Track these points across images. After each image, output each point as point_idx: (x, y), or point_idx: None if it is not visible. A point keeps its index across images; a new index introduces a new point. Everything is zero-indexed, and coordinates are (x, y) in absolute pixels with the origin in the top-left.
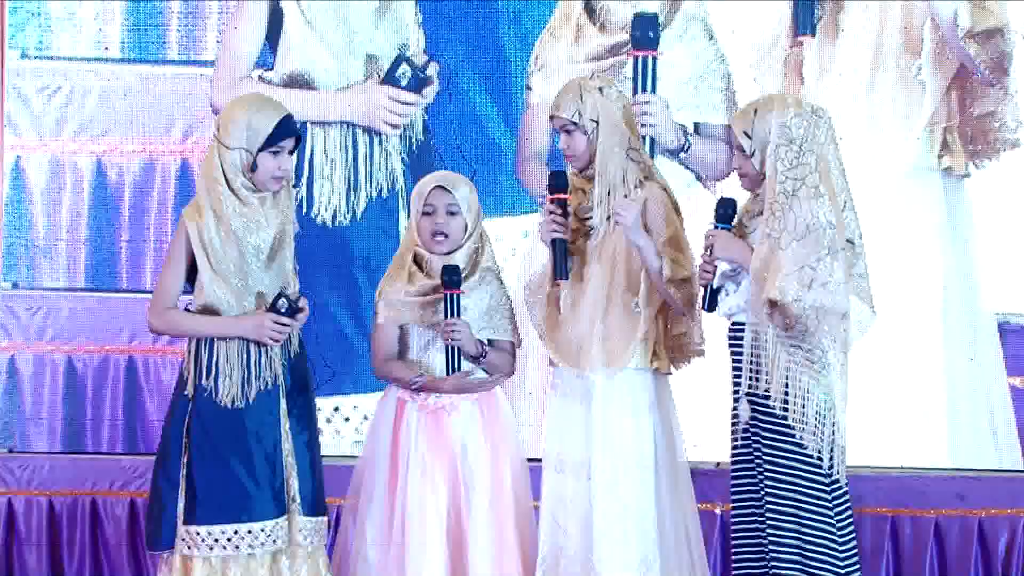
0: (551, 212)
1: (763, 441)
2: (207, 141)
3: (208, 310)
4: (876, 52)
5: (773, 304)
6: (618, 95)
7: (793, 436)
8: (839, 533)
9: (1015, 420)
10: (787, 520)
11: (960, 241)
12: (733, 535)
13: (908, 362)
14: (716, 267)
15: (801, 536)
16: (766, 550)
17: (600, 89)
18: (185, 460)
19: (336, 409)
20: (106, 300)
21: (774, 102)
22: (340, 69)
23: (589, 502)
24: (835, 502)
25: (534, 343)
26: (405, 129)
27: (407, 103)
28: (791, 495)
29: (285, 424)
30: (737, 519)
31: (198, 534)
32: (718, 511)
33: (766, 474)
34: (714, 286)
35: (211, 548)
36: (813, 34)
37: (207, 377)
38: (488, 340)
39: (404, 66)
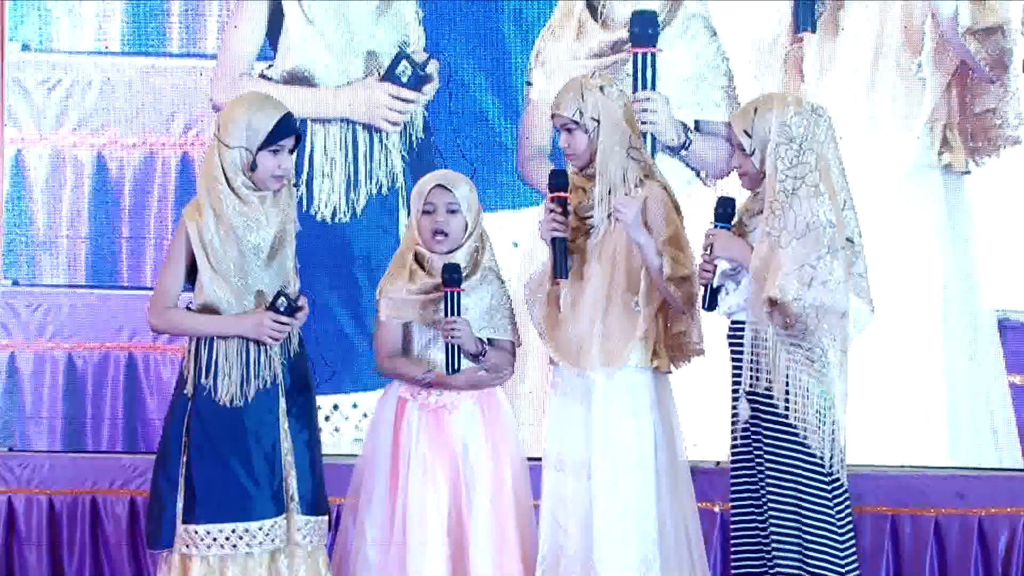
0: (551, 211)
1: (764, 440)
2: (208, 134)
3: (208, 309)
4: (876, 49)
5: (773, 303)
6: (619, 94)
7: (794, 435)
8: (840, 531)
9: (1015, 419)
10: (788, 518)
11: (960, 238)
12: (732, 534)
13: (908, 361)
14: (716, 266)
15: (802, 534)
16: (766, 549)
17: (601, 88)
18: (184, 459)
19: (335, 407)
20: (106, 297)
21: (774, 101)
22: (340, 66)
23: (589, 502)
24: (835, 500)
25: (534, 342)
26: (405, 126)
27: (407, 100)
28: (792, 493)
29: (284, 423)
30: (736, 518)
31: (196, 533)
32: (718, 510)
33: (767, 473)
34: (714, 285)
35: (209, 547)
36: (813, 30)
37: (206, 376)
38: (488, 339)
39: (404, 63)
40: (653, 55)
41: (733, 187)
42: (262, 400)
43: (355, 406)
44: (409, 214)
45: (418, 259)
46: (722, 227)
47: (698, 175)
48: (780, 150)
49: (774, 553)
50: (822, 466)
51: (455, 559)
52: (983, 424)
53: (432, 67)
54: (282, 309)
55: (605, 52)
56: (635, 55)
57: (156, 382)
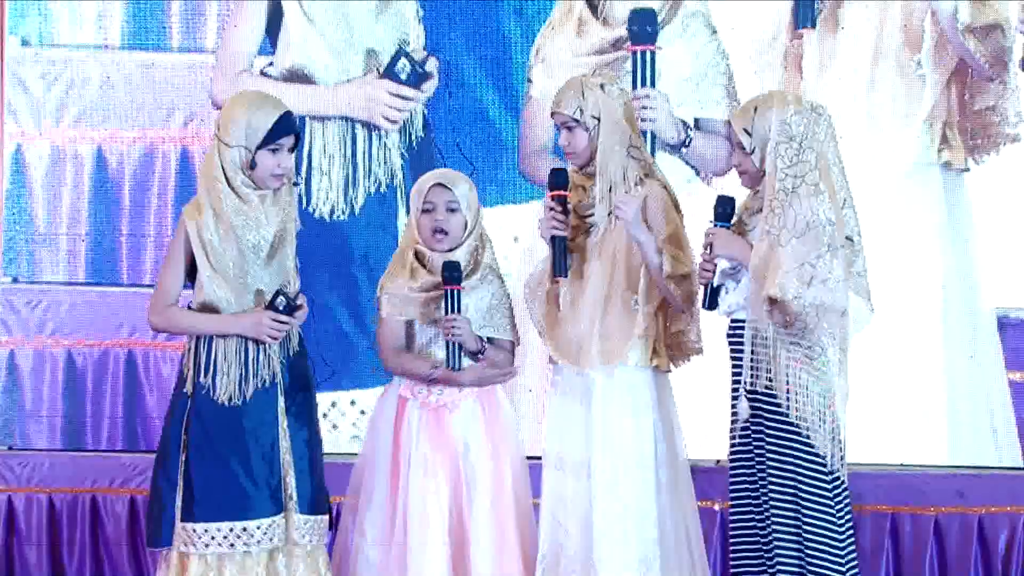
0: (551, 209)
1: (766, 438)
2: (208, 129)
3: (207, 308)
4: (876, 47)
5: (773, 301)
6: (619, 92)
7: (795, 433)
8: (840, 530)
9: (1015, 418)
10: (789, 516)
11: (960, 236)
12: (732, 533)
13: (908, 359)
14: (716, 265)
15: (803, 532)
16: (765, 548)
17: (602, 86)
18: (183, 457)
19: (333, 404)
20: (106, 294)
21: (774, 99)
22: (340, 64)
23: (589, 501)
24: (836, 499)
25: (534, 341)
26: (405, 124)
27: (406, 98)
28: (793, 491)
29: (283, 422)
30: (736, 517)
31: (195, 531)
32: (717, 508)
33: (768, 471)
34: (714, 284)
35: (207, 545)
36: (813, 26)
37: (205, 375)
38: (488, 338)
39: (403, 61)
40: (652, 53)
41: (733, 186)
42: (261, 399)
43: (353, 403)
44: (408, 212)
45: (419, 257)
46: (722, 226)
47: (698, 173)
48: (780, 148)
49: (774, 551)
50: (823, 464)
51: (455, 558)
52: (983, 423)
53: (431, 65)
54: (281, 308)
55: (606, 50)
56: (634, 53)
57: (156, 379)
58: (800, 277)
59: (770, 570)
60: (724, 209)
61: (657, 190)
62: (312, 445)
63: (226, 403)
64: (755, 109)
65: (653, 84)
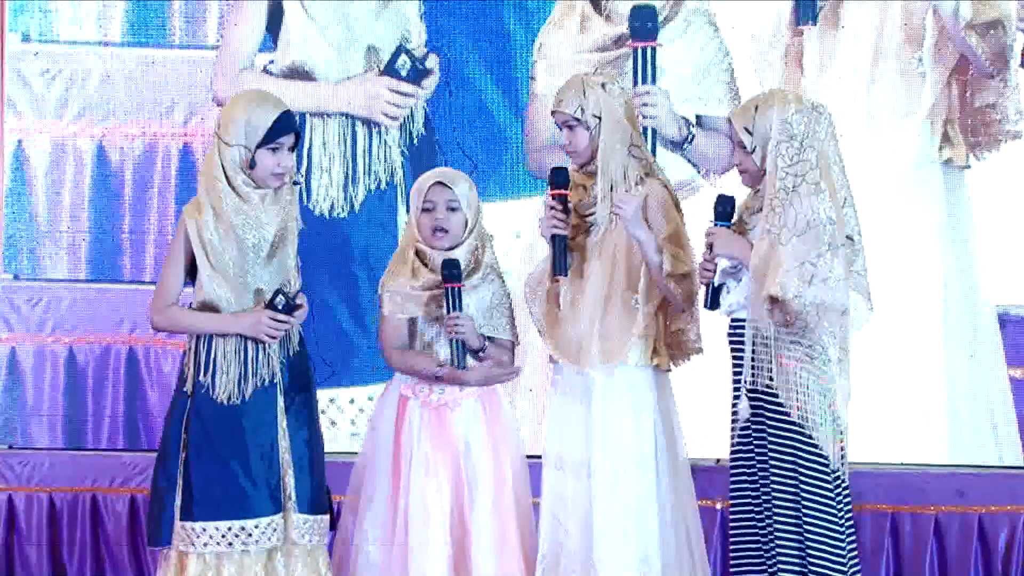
0: (551, 208)
1: (768, 437)
2: (209, 124)
3: (207, 307)
4: (876, 44)
5: (774, 300)
6: (620, 91)
7: (797, 432)
8: (842, 529)
9: (1015, 416)
10: (790, 515)
11: (960, 233)
12: (731, 532)
13: (908, 358)
14: (716, 264)
15: (804, 531)
16: (765, 547)
17: (603, 85)
18: (183, 456)
19: (331, 401)
20: (107, 291)
21: (775, 98)
22: (341, 61)
23: (589, 501)
24: (838, 498)
25: (535, 340)
26: (405, 121)
27: (406, 94)
28: (795, 491)
29: (282, 421)
30: (736, 516)
31: (193, 530)
32: (718, 507)
33: (771, 470)
34: (715, 283)
35: (205, 544)
36: (814, 23)
37: (205, 374)
38: (488, 337)
39: (403, 57)
40: (653, 49)
41: (734, 185)
42: (260, 398)
43: (352, 401)
44: (408, 210)
45: (420, 256)
46: (722, 225)
47: (699, 170)
48: (781, 147)
49: (776, 550)
50: (825, 463)
51: (456, 558)
52: (983, 422)
53: (432, 61)
54: (280, 307)
55: (608, 47)
56: (635, 49)
57: (157, 376)
58: (801, 276)
59: (770, 569)
60: (724, 208)
61: (658, 189)
62: (312, 445)
63: (225, 402)
64: (756, 108)
65: (654, 81)
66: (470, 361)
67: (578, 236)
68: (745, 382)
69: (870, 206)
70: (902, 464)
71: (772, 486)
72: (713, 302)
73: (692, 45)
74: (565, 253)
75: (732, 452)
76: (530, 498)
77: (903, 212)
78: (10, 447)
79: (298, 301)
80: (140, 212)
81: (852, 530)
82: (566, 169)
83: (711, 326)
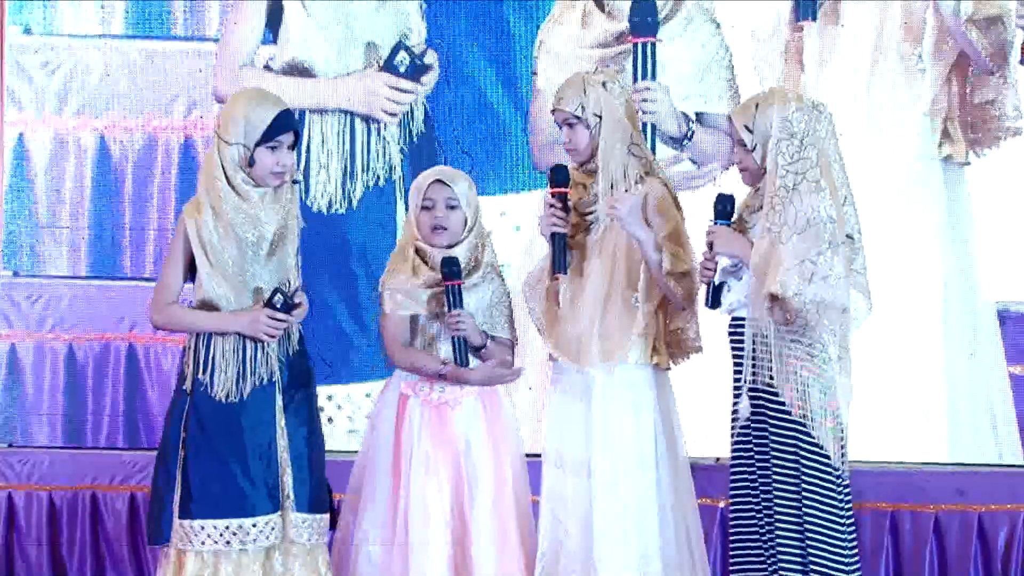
0: (551, 206)
1: (770, 435)
2: (210, 118)
3: (207, 305)
4: (876, 40)
5: (774, 298)
6: (621, 90)
7: (799, 430)
8: (843, 527)
9: (1015, 414)
10: (793, 513)
11: (960, 230)
12: (732, 530)
13: (908, 357)
14: (717, 263)
15: (806, 530)
16: (765, 546)
17: (604, 83)
18: (182, 454)
19: (329, 398)
20: (107, 288)
21: (775, 96)
22: (340, 58)
23: (589, 501)
24: (840, 496)
25: (536, 338)
26: (405, 118)
27: (405, 91)
28: (797, 489)
29: (281, 420)
30: (736, 514)
31: (191, 528)
32: (719, 506)
33: (773, 468)
34: (715, 282)
35: (203, 543)
36: (814, 19)
37: (203, 372)
38: (489, 336)
39: (402, 53)
40: (653, 45)
41: (734, 183)
42: (259, 397)
43: (349, 397)
44: (407, 208)
45: (420, 254)
46: (722, 224)
47: (694, 163)
48: (781, 146)
49: (778, 549)
50: (828, 461)
51: (457, 557)
52: (983, 420)
53: (431, 57)
54: (278, 306)
55: (610, 43)
56: (635, 45)
57: (157, 373)
58: (801, 274)
59: (771, 568)
60: (724, 207)
61: (657, 187)
62: (312, 444)
63: (223, 401)
64: (756, 106)
65: (654, 76)
66: (473, 361)
67: (578, 234)
68: (746, 381)
69: (870, 203)
70: (902, 463)
71: (774, 485)
72: (714, 301)
73: (693, 43)
74: (565, 251)
75: (733, 451)
76: (529, 497)
77: (903, 209)
78: (10, 445)
79: (297, 300)
80: (140, 208)
81: (854, 529)
82: (566, 167)
83: (710, 324)
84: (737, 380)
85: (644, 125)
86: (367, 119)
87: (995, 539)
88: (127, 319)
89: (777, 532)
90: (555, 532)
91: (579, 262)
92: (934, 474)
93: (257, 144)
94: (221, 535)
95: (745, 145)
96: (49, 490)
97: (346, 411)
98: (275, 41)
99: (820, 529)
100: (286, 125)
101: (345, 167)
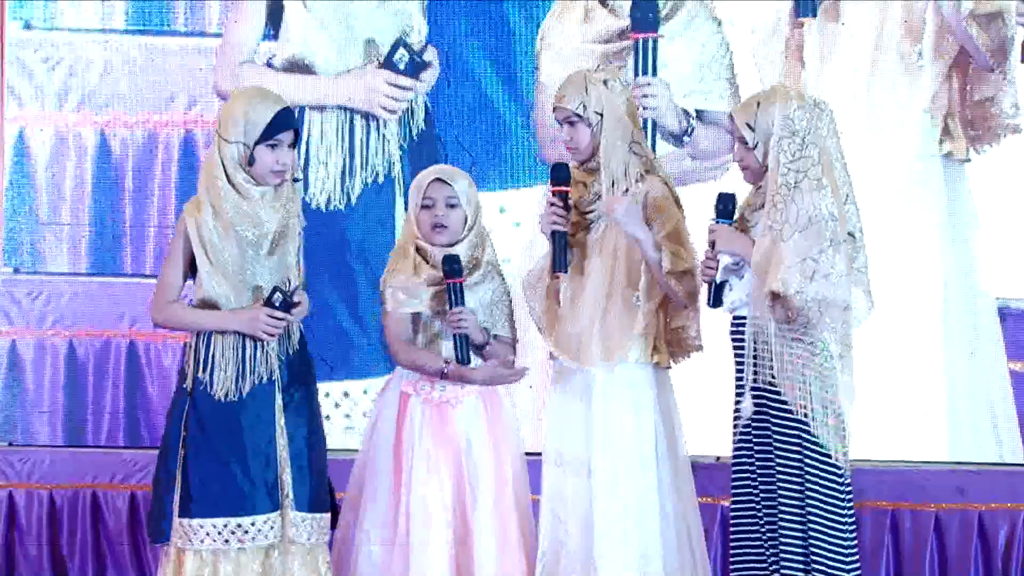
0: (552, 204)
1: (773, 434)
2: (210, 113)
3: (207, 304)
4: (876, 37)
5: (775, 296)
6: (622, 88)
7: (801, 429)
8: (845, 525)
9: (1015, 413)
10: (796, 511)
11: (961, 226)
12: (733, 529)
13: (909, 355)
14: (719, 262)
15: (809, 528)
16: (765, 544)
17: (605, 81)
18: (182, 453)
19: (326, 395)
20: (108, 285)
21: (777, 94)
22: (340, 55)
23: (589, 500)
24: (843, 495)
25: (537, 336)
26: (405, 115)
27: (404, 88)
28: (801, 488)
29: (280, 419)
30: (737, 513)
31: (190, 527)
32: (718, 505)
33: (777, 468)
34: (717, 281)
35: (202, 541)
36: (814, 15)
37: (203, 371)
38: (492, 335)
39: (401, 50)
40: (655, 40)
41: (735, 181)
42: (258, 396)
43: (346, 394)
44: (406, 205)
45: (420, 252)
46: (723, 222)
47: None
48: (783, 144)
49: (780, 547)
50: (831, 460)
51: (458, 556)
52: (983, 419)
53: (430, 54)
54: (277, 304)
55: (612, 38)
56: (636, 40)
57: (157, 370)
58: (802, 272)
59: (772, 567)
60: (725, 206)
61: (658, 186)
62: (312, 443)
63: (223, 399)
64: (758, 104)
65: (655, 72)
66: (476, 360)
67: (578, 233)
68: (748, 380)
69: (870, 201)
70: (902, 461)
71: (778, 484)
72: (716, 300)
73: (693, 42)
74: (565, 250)
75: (735, 450)
76: (529, 496)
77: (903, 207)
78: (10, 444)
79: (296, 299)
80: (141, 204)
81: (854, 526)
82: (567, 165)
83: (710, 323)
84: (739, 379)
85: (644, 121)
86: (366, 116)
87: (995, 538)
88: (127, 316)
89: (780, 530)
90: (555, 532)
91: (580, 261)
92: (934, 473)
93: (257, 142)
94: (220, 534)
95: (746, 143)
96: (50, 489)
97: (343, 408)
98: (276, 35)
99: (823, 528)
100: (286, 123)
101: (344, 164)
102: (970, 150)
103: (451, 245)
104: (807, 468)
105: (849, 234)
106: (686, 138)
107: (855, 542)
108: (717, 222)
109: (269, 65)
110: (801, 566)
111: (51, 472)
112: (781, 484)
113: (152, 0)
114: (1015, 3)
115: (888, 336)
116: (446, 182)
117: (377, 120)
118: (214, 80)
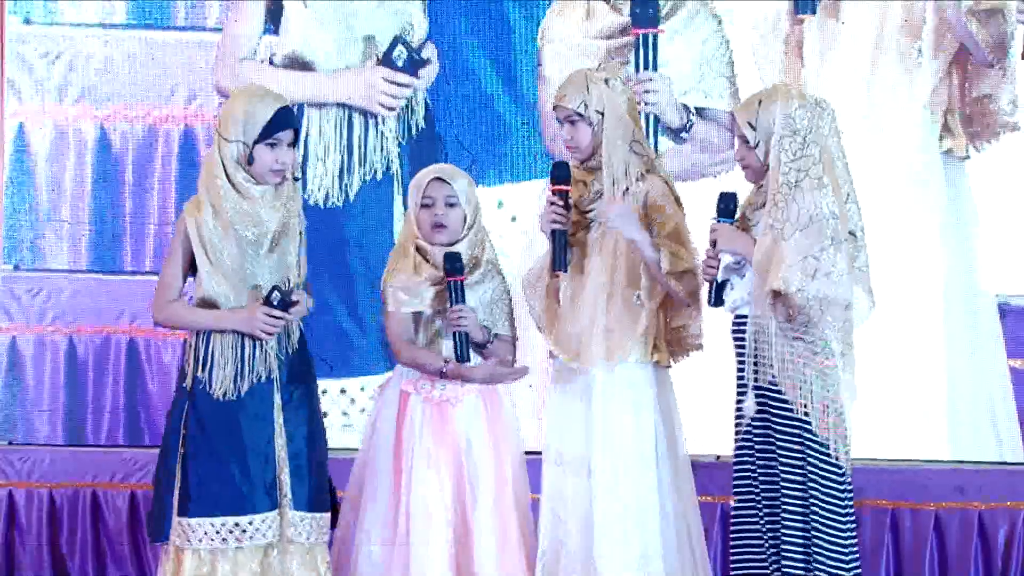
0: (552, 203)
1: (775, 433)
2: (210, 108)
3: (207, 303)
4: (876, 34)
5: (777, 295)
6: (623, 87)
7: (803, 428)
8: (845, 525)
9: (1016, 408)
10: (798, 511)
11: (961, 223)
12: (733, 528)
13: (909, 354)
14: (720, 261)
15: (811, 527)
16: (767, 543)
17: (606, 80)
18: (182, 452)
19: (324, 392)
20: (108, 282)
21: (778, 93)
22: (339, 52)
23: (589, 500)
24: (844, 494)
25: (537, 335)
26: (404, 112)
27: (402, 85)
28: (803, 487)
29: (279, 418)
30: (738, 512)
31: (189, 526)
32: (719, 503)
33: (780, 467)
34: (718, 280)
35: (200, 540)
36: (813, 12)
37: (202, 370)
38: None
39: (400, 47)
40: (655, 35)
41: (736, 180)
42: (257, 395)
43: (343, 391)
44: (405, 202)
45: (420, 251)
46: (724, 221)
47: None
48: (784, 142)
49: (782, 545)
50: (833, 459)
51: (458, 555)
52: (984, 418)
53: (429, 51)
54: (275, 303)
55: (614, 34)
56: (636, 36)
57: (157, 367)
58: (804, 270)
59: (773, 565)
60: (727, 205)
61: (658, 185)
62: (312, 442)
63: (221, 398)
64: (759, 103)
65: (656, 67)
66: (476, 358)
67: (578, 232)
68: (750, 379)
69: (871, 198)
70: (902, 460)
71: (781, 482)
72: (717, 299)
73: (694, 40)
74: (565, 249)
75: (736, 449)
76: (529, 496)
77: (904, 204)
78: (10, 443)
79: (295, 298)
80: (141, 200)
81: (855, 525)
82: (567, 164)
83: (710, 322)
84: (741, 378)
85: (646, 117)
86: (365, 113)
87: (995, 537)
88: (127, 312)
89: (782, 529)
90: (555, 531)
91: (579, 260)
92: (935, 471)
93: (256, 141)
94: (218, 533)
95: (748, 142)
96: (50, 488)
97: (341, 406)
98: (276, 31)
99: (824, 526)
100: (285, 122)
101: (342, 161)
102: (969, 147)
103: (451, 244)
104: (809, 467)
105: (850, 233)
106: (684, 134)
107: (855, 541)
108: (718, 221)
109: (269, 62)
110: (802, 565)
111: (51, 471)
112: (784, 483)
113: None
114: (1016, 3)
115: (888, 334)
116: (446, 181)
117: (376, 117)
118: (214, 77)
